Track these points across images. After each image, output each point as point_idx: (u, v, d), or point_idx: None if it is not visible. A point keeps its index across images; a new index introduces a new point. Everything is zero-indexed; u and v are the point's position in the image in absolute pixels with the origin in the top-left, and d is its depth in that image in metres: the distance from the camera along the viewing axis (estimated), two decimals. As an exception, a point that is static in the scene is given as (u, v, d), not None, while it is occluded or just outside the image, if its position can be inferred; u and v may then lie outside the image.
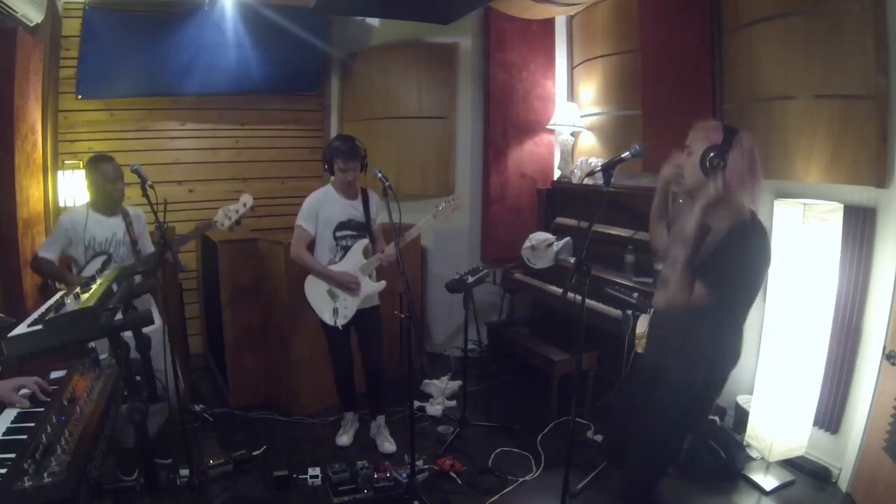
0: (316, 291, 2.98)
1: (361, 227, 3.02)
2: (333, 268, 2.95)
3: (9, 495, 1.13)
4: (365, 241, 3.02)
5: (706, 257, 1.80)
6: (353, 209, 3.00)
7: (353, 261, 2.98)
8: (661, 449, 2.05)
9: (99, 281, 1.93)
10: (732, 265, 1.78)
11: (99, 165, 2.71)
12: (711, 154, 1.80)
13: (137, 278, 2.43)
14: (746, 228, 1.78)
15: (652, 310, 2.27)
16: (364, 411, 3.25)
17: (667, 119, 3.27)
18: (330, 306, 2.95)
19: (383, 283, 3.04)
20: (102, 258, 2.71)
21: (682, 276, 1.81)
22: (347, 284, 2.92)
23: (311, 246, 2.99)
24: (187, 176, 4.35)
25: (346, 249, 2.99)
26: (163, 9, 3.95)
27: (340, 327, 2.96)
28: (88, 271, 2.66)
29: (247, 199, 2.96)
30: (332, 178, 2.98)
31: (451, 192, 4.21)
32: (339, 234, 2.98)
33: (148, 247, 2.88)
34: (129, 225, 2.76)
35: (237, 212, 2.93)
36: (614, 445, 2.25)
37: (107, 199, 2.73)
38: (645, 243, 3.20)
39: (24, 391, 1.58)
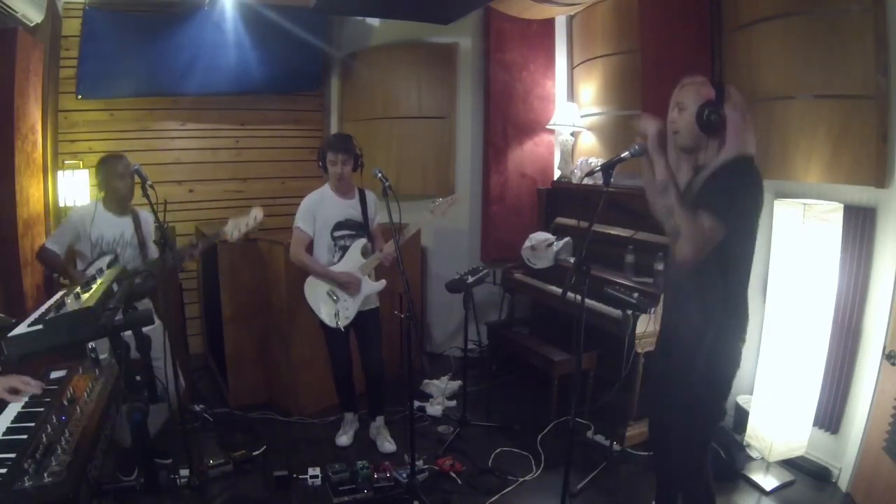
0: (316, 293, 2.97)
1: (359, 227, 3.02)
2: (333, 268, 2.95)
3: (9, 495, 1.13)
4: (363, 241, 3.01)
5: (706, 188, 1.80)
6: (350, 209, 3.00)
7: (352, 261, 2.98)
8: (697, 422, 2.01)
9: (99, 281, 1.93)
10: (733, 190, 1.77)
11: (109, 162, 2.74)
12: (707, 111, 1.81)
13: (137, 280, 2.43)
14: (746, 161, 1.80)
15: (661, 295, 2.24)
16: (364, 411, 3.25)
17: (667, 119, 3.26)
18: (331, 308, 2.95)
19: (383, 282, 3.04)
20: (109, 257, 2.70)
21: (683, 212, 1.76)
22: (348, 285, 2.92)
23: (309, 247, 2.99)
24: (187, 176, 4.35)
25: (344, 249, 2.99)
26: (163, 9, 3.96)
27: (343, 329, 2.96)
28: (97, 267, 2.66)
29: (257, 213, 2.94)
30: (329, 175, 2.98)
31: (452, 192, 4.20)
32: (336, 234, 2.98)
33: (154, 251, 2.89)
34: (137, 227, 2.77)
35: (247, 225, 2.92)
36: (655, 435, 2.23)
37: (116, 196, 2.74)
38: (645, 243, 3.21)
39: (22, 391, 1.58)
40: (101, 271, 2.15)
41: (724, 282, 1.87)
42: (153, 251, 2.87)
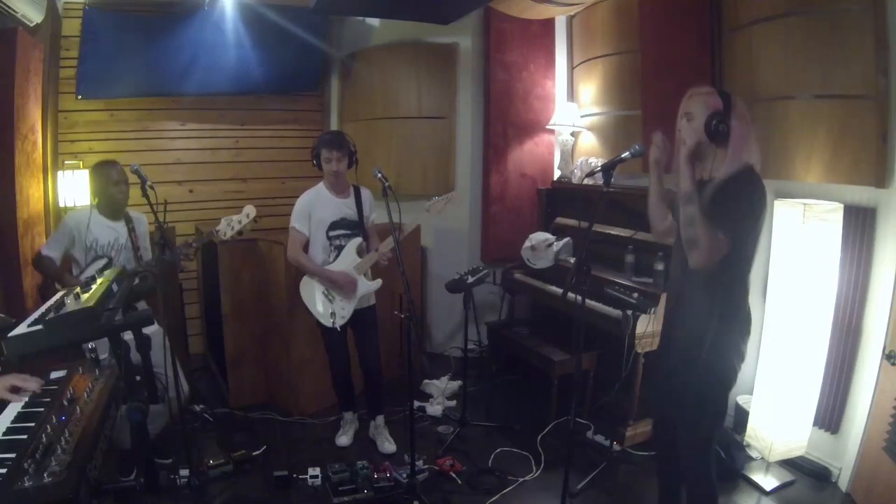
0: (312, 294, 2.97)
1: (355, 226, 3.01)
2: (328, 268, 2.94)
3: (9, 495, 1.13)
4: (358, 240, 3.01)
5: (716, 200, 1.84)
6: (345, 207, 2.99)
7: (348, 260, 2.98)
8: (703, 458, 2.04)
9: (99, 281, 1.93)
10: (742, 206, 1.83)
11: (103, 169, 2.75)
12: (716, 121, 1.88)
13: (137, 280, 2.43)
14: (752, 174, 1.86)
15: (662, 300, 2.26)
16: (363, 411, 3.25)
17: (667, 119, 3.25)
18: (327, 308, 2.95)
19: (379, 281, 3.04)
20: (103, 261, 2.72)
21: (705, 224, 1.83)
22: (345, 285, 2.92)
23: (306, 247, 2.98)
24: (187, 176, 4.35)
25: (339, 249, 2.98)
26: (163, 9, 3.96)
27: (339, 328, 2.95)
28: (88, 274, 2.66)
29: (250, 211, 2.95)
30: (324, 173, 2.97)
31: (450, 192, 4.19)
32: (332, 233, 2.97)
33: (148, 253, 2.89)
34: (131, 231, 2.79)
35: (240, 223, 2.92)
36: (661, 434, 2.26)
37: (111, 203, 2.76)
38: (645, 243, 3.21)
39: (23, 390, 1.58)
40: (100, 272, 2.15)
41: (729, 281, 1.91)
42: (148, 254, 2.88)
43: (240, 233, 2.95)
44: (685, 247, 1.96)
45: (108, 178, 2.73)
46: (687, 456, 2.04)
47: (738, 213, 1.83)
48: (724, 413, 2.07)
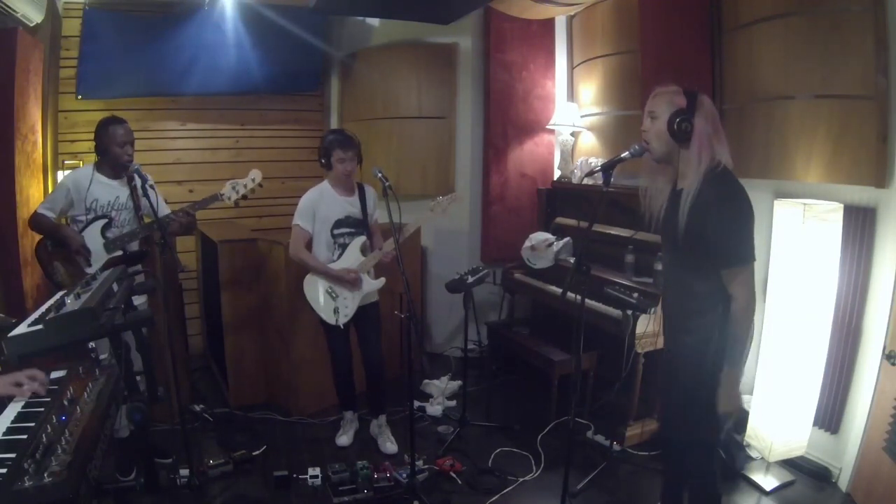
0: (315, 291, 2.97)
1: (359, 224, 3.01)
2: (332, 266, 2.94)
3: (9, 495, 1.12)
4: (362, 238, 3.01)
5: (700, 221, 1.80)
6: (350, 206, 2.99)
7: (352, 258, 2.98)
8: (705, 459, 2.04)
9: (99, 281, 1.93)
10: (734, 229, 1.78)
11: (109, 126, 2.65)
12: (679, 119, 1.83)
13: (138, 278, 2.43)
14: (727, 178, 1.81)
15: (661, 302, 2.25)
16: (364, 411, 3.25)
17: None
18: (330, 305, 2.95)
19: (382, 279, 3.04)
20: (103, 221, 2.67)
21: (740, 343, 1.82)
22: (348, 280, 2.92)
23: (309, 245, 2.98)
24: (187, 176, 4.35)
25: (343, 247, 2.98)
26: (163, 9, 3.96)
27: (342, 326, 2.95)
28: (89, 233, 2.64)
29: (255, 175, 2.91)
30: (329, 173, 2.97)
31: (452, 192, 4.20)
32: (336, 231, 2.97)
33: (163, 209, 2.81)
34: (133, 189, 2.70)
35: (245, 186, 2.89)
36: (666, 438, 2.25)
37: (114, 163, 2.67)
38: (645, 243, 3.21)
39: (25, 387, 1.58)
40: (100, 272, 2.15)
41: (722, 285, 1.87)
42: (163, 209, 2.80)
43: (244, 196, 2.92)
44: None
45: (114, 137, 2.63)
46: (691, 456, 2.04)
47: (731, 240, 1.77)
48: (727, 416, 2.06)
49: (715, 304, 1.86)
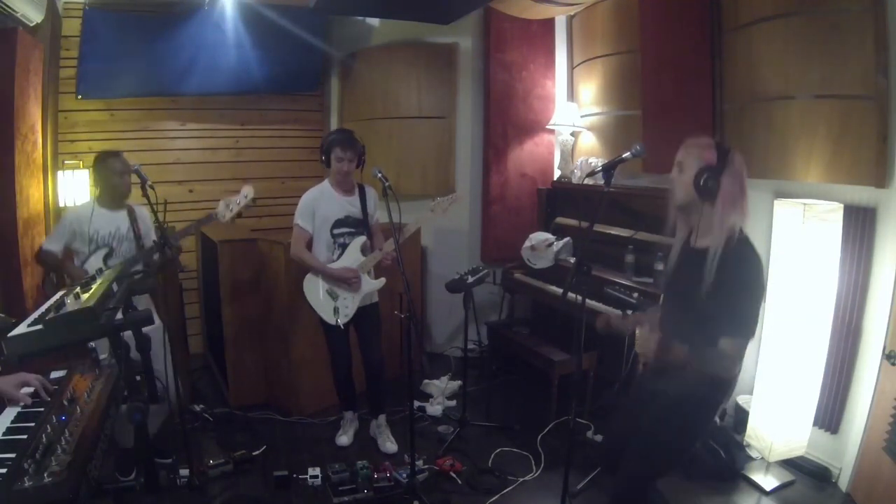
0: (315, 291, 2.97)
1: (359, 224, 3.01)
2: (332, 266, 2.94)
3: (9, 495, 1.13)
4: (363, 238, 3.01)
5: (715, 298, 1.79)
6: (350, 206, 2.99)
7: (352, 258, 2.97)
8: (652, 464, 2.02)
9: (99, 281, 1.93)
10: (742, 285, 1.77)
11: (107, 160, 2.74)
12: (706, 176, 1.80)
13: (138, 277, 2.43)
14: (742, 244, 1.79)
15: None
16: (364, 411, 3.25)
17: (667, 119, 3.27)
18: (330, 305, 2.95)
19: (383, 280, 3.04)
20: (105, 251, 2.72)
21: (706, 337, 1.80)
22: (348, 280, 2.92)
23: (309, 244, 2.98)
24: (187, 176, 4.35)
25: (343, 247, 2.98)
26: (163, 9, 3.96)
27: (342, 326, 2.96)
28: (91, 263, 2.67)
29: (248, 191, 2.95)
30: (329, 171, 2.97)
31: (452, 192, 4.20)
32: (336, 231, 2.97)
33: (149, 234, 2.89)
34: (133, 221, 2.77)
35: (238, 203, 2.93)
36: (611, 451, 2.22)
37: (113, 194, 2.75)
38: (645, 243, 3.21)
39: (26, 389, 1.58)
40: (100, 271, 2.15)
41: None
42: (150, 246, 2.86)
43: (239, 214, 2.95)
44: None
45: (112, 168, 2.72)
46: (631, 467, 2.00)
47: (739, 313, 1.75)
48: (682, 454, 2.05)
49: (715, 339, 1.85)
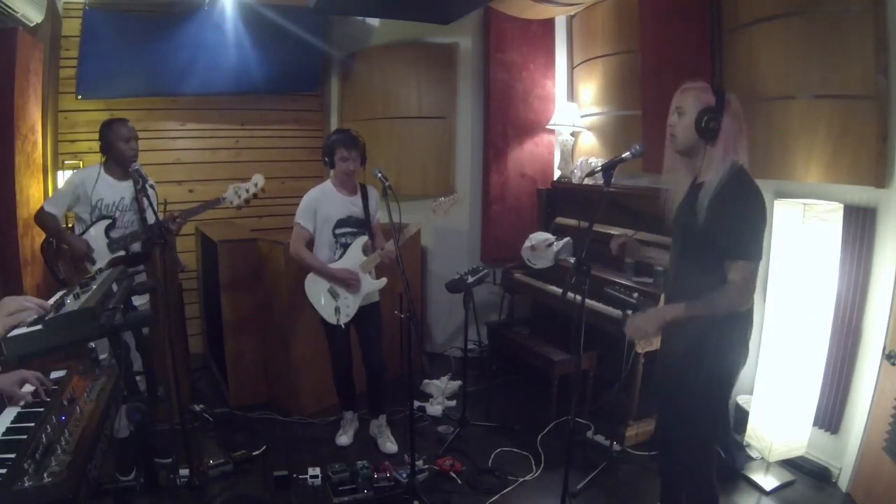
0: (317, 290, 2.97)
1: (361, 224, 3.01)
2: (333, 265, 2.94)
3: (9, 495, 1.12)
4: (364, 238, 3.01)
5: (716, 217, 1.80)
6: (352, 206, 2.99)
7: (353, 258, 2.98)
8: (703, 459, 2.03)
9: (99, 281, 1.93)
10: (747, 224, 1.80)
11: (113, 126, 2.72)
12: (707, 117, 1.83)
13: (138, 278, 2.44)
14: (742, 178, 1.82)
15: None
16: (364, 411, 3.25)
17: (667, 119, 3.26)
18: (331, 305, 2.95)
19: (384, 280, 3.04)
20: (107, 221, 2.70)
21: (715, 307, 1.82)
22: (348, 281, 2.92)
23: (309, 244, 2.98)
24: (187, 176, 4.35)
25: (345, 247, 2.98)
26: (163, 9, 3.96)
27: (343, 326, 2.95)
28: (93, 232, 2.67)
29: (258, 179, 2.93)
30: (332, 172, 2.97)
31: (452, 192, 4.19)
32: (338, 231, 2.97)
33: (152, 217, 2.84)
34: (138, 191, 2.72)
35: (248, 191, 2.91)
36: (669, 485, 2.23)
37: (120, 159, 2.71)
38: (645, 243, 3.20)
39: (27, 387, 1.58)
40: (100, 271, 2.15)
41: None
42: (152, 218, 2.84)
43: (247, 201, 2.93)
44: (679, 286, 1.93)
45: (118, 133, 2.69)
46: (685, 458, 2.04)
47: (741, 234, 1.78)
48: (725, 415, 2.05)
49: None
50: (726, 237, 1.80)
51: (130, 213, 2.75)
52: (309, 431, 3.32)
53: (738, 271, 1.80)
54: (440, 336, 4.57)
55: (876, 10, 2.39)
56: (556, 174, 4.39)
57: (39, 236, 3.30)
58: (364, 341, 3.08)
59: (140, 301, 2.51)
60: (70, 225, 3.01)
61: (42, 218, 2.69)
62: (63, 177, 3.60)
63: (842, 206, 2.54)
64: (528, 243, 3.79)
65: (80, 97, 3.85)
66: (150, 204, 2.62)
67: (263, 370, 3.66)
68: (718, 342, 1.87)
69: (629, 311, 2.78)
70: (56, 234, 2.71)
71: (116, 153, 2.70)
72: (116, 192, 2.72)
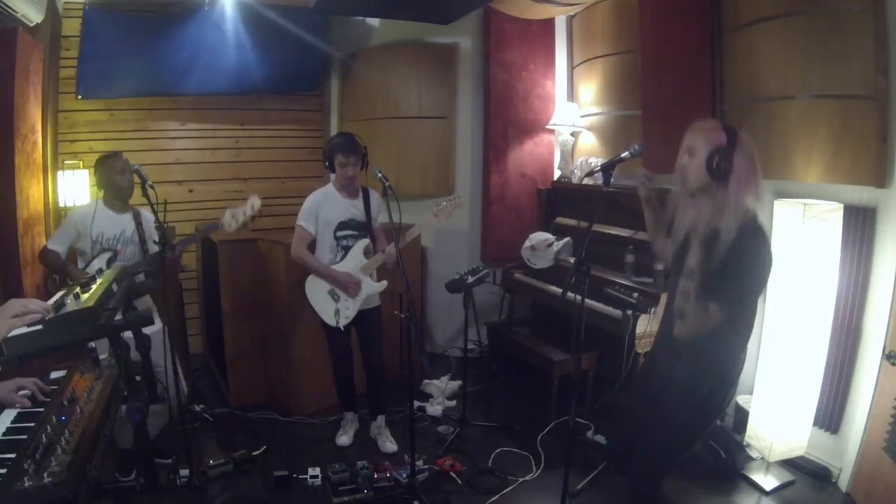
0: (317, 292, 2.97)
1: (362, 227, 3.01)
2: (334, 268, 2.94)
3: (9, 495, 1.13)
4: (366, 241, 3.01)
5: (717, 273, 1.80)
6: (353, 208, 2.99)
7: (355, 261, 2.98)
8: (664, 459, 2.04)
9: (99, 281, 1.93)
10: (744, 274, 1.79)
11: (106, 161, 2.77)
12: (717, 157, 1.81)
13: (138, 278, 2.43)
14: (754, 232, 1.81)
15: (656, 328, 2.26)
16: (364, 411, 3.25)
17: (667, 119, 3.26)
18: (332, 307, 2.95)
19: (385, 282, 3.04)
20: (108, 254, 2.72)
21: (698, 303, 1.84)
22: (348, 285, 2.92)
23: (311, 246, 2.98)
24: (187, 176, 4.35)
25: (346, 249, 2.98)
26: (163, 9, 3.96)
27: (342, 328, 2.95)
28: (94, 267, 2.67)
29: (254, 202, 2.94)
30: (333, 176, 2.98)
31: (452, 192, 4.20)
32: (339, 234, 2.97)
33: (154, 249, 2.90)
34: (138, 225, 2.79)
35: (244, 214, 2.92)
36: (618, 450, 2.24)
37: (117, 192, 2.76)
38: (645, 243, 3.20)
39: (23, 392, 1.58)
40: (101, 271, 2.15)
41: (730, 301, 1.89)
42: (153, 249, 2.88)
43: (244, 224, 2.95)
44: (675, 313, 1.95)
45: (113, 167, 2.74)
46: (639, 470, 2.04)
47: (740, 287, 1.79)
48: (697, 436, 2.07)
49: (721, 330, 1.88)
50: (720, 291, 1.81)
51: (132, 245, 2.79)
52: (309, 431, 3.32)
53: (714, 313, 1.83)
54: (440, 336, 4.57)
55: (876, 10, 2.39)
56: (556, 174, 4.39)
57: (39, 236, 3.31)
58: (364, 344, 3.08)
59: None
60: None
61: (45, 256, 2.75)
62: (63, 177, 3.60)
63: (842, 206, 2.54)
64: (528, 243, 3.79)
65: (80, 97, 3.85)
66: (150, 202, 2.63)
67: (263, 370, 3.66)
68: (721, 367, 1.89)
69: (629, 311, 2.80)
70: (60, 272, 2.80)
71: (113, 187, 2.76)
72: (117, 225, 2.77)
